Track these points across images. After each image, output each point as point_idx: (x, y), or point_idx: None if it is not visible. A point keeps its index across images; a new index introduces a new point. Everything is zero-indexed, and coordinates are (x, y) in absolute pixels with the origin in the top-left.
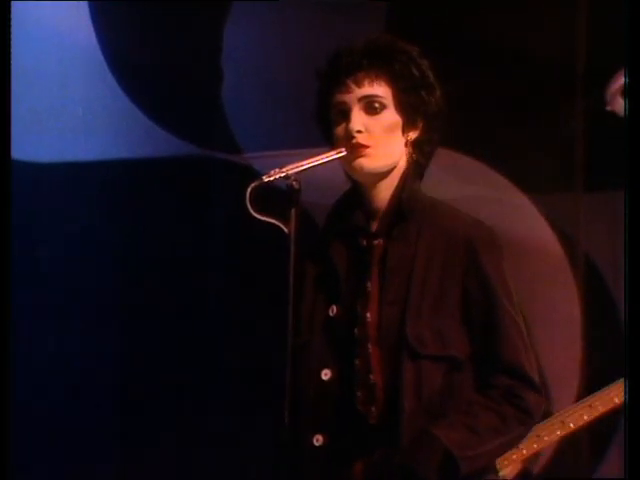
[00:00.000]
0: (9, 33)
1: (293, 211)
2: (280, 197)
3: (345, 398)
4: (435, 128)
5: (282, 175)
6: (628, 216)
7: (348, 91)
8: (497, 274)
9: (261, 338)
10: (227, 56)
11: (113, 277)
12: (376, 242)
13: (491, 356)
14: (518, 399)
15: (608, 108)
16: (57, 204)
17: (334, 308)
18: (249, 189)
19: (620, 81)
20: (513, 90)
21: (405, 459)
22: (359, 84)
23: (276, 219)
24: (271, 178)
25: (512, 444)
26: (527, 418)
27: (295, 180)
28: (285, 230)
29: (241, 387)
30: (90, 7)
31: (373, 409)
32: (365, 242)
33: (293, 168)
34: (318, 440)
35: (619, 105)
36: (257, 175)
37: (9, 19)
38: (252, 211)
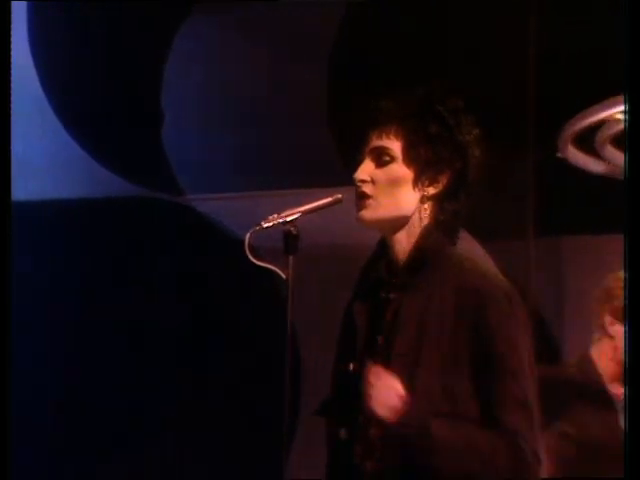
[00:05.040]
0: (9, 32)
1: (291, 258)
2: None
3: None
4: (460, 185)
5: (280, 221)
6: (628, 216)
7: (366, 143)
8: (507, 343)
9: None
10: (168, 95)
11: (50, 314)
12: (392, 295)
13: (496, 422)
14: (518, 453)
15: (559, 155)
16: None
17: (351, 365)
18: (247, 235)
19: (571, 128)
20: None
21: None
22: (375, 136)
23: (273, 265)
24: (270, 224)
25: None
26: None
27: (293, 226)
28: (282, 276)
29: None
30: (32, 48)
31: (369, 464)
32: (384, 295)
33: (291, 214)
34: None
35: (570, 152)
36: (198, 217)
37: (9, 19)
38: (250, 257)
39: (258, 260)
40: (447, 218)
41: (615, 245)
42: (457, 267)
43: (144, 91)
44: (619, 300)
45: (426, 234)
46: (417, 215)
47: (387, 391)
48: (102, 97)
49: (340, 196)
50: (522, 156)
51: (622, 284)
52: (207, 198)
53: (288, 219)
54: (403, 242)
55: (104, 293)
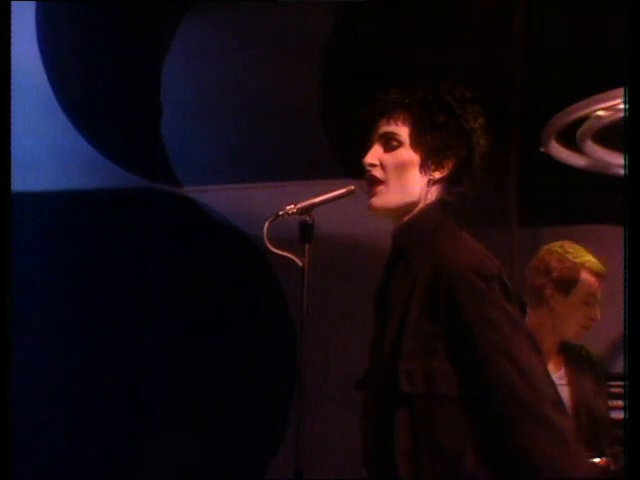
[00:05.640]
0: (9, 33)
1: (307, 246)
2: None
3: None
4: (465, 170)
5: (295, 211)
6: (628, 215)
7: (376, 129)
8: (477, 312)
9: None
10: (167, 90)
11: (48, 305)
12: (386, 278)
13: (482, 394)
14: None
15: (542, 149)
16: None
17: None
18: (266, 224)
19: (555, 125)
20: None
21: None
22: (385, 122)
23: (291, 253)
24: (286, 214)
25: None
26: None
27: (309, 216)
28: (299, 264)
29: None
30: (39, 44)
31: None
32: (391, 286)
33: (307, 204)
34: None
35: (552, 147)
36: (196, 208)
37: (9, 20)
38: (269, 245)
39: (278, 249)
40: (453, 200)
41: (591, 234)
42: (441, 248)
43: (145, 85)
44: (562, 271)
45: (422, 216)
46: (423, 199)
47: None
48: (105, 90)
49: (353, 187)
50: (507, 150)
51: (562, 254)
52: (205, 190)
53: (304, 209)
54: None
55: (103, 283)
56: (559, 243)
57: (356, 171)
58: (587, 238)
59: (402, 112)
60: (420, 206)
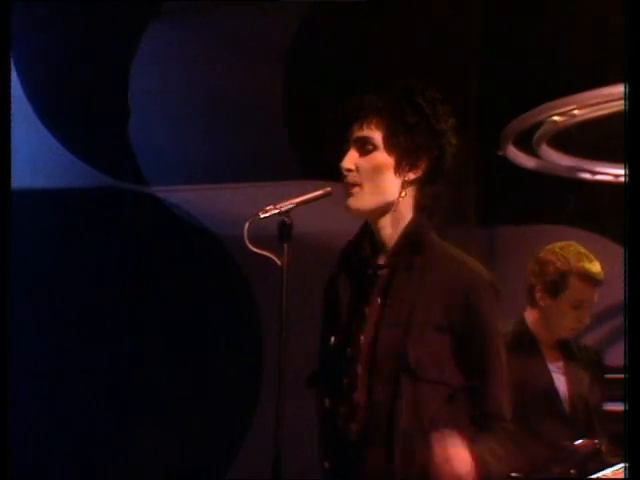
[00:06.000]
0: (9, 33)
1: (286, 245)
2: None
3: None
4: (438, 170)
5: (276, 212)
6: (628, 215)
7: (350, 133)
8: (492, 321)
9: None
10: (135, 92)
11: (17, 303)
12: (380, 272)
13: (480, 403)
14: (492, 430)
15: (500, 153)
16: None
17: (332, 339)
18: (246, 225)
19: (512, 129)
20: None
21: None
22: (358, 127)
23: (270, 252)
24: (266, 214)
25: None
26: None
27: (287, 216)
28: (278, 263)
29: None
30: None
31: (353, 426)
32: (370, 272)
33: (285, 205)
34: (326, 465)
35: (510, 151)
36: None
37: (9, 20)
38: (249, 245)
39: (257, 249)
40: (427, 202)
41: (544, 233)
42: (444, 254)
43: (113, 86)
44: (550, 275)
45: (413, 219)
46: (399, 199)
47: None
48: (74, 90)
49: (330, 189)
50: (466, 153)
51: (555, 258)
52: (173, 190)
53: (283, 210)
54: (388, 226)
55: (69, 282)
56: (560, 244)
57: (322, 172)
58: (540, 237)
59: (375, 116)
60: (400, 208)
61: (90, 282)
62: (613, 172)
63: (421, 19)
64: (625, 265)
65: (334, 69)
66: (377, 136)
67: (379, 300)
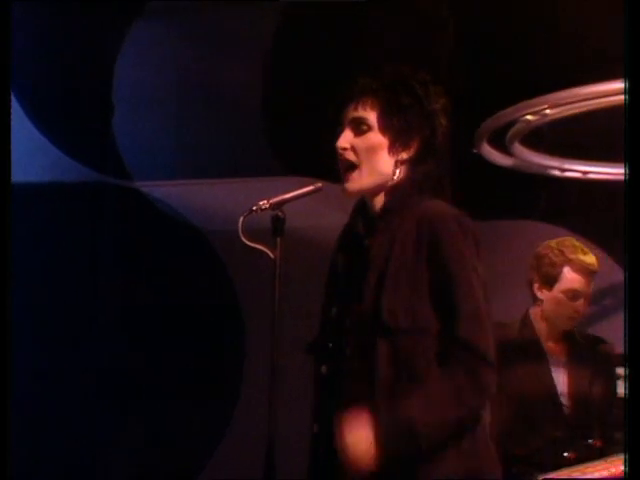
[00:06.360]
0: (9, 33)
1: (279, 239)
2: None
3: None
4: (428, 150)
5: (268, 206)
6: (628, 215)
7: (346, 114)
8: (458, 260)
9: None
10: (119, 88)
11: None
12: (366, 242)
13: (452, 333)
14: (474, 374)
15: (474, 150)
16: None
17: (334, 310)
18: (240, 219)
19: (486, 128)
20: None
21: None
22: (353, 108)
23: (264, 246)
24: (259, 209)
25: (468, 418)
26: (481, 392)
27: (280, 210)
28: (271, 256)
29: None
30: None
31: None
32: (363, 243)
33: (278, 200)
34: (315, 429)
35: (484, 148)
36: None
37: (9, 20)
38: (243, 239)
39: (251, 242)
40: (418, 179)
41: (516, 228)
42: (419, 208)
43: (98, 81)
44: (546, 268)
45: (399, 190)
46: (393, 179)
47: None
48: (59, 85)
49: (320, 185)
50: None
51: (550, 251)
52: (157, 185)
53: (275, 204)
54: (380, 202)
55: (53, 276)
56: (557, 240)
57: (305, 169)
58: (513, 232)
59: (370, 97)
60: (391, 184)
61: (74, 276)
62: (581, 169)
63: (397, 17)
64: (625, 265)
65: (318, 67)
66: (372, 117)
67: (369, 267)
